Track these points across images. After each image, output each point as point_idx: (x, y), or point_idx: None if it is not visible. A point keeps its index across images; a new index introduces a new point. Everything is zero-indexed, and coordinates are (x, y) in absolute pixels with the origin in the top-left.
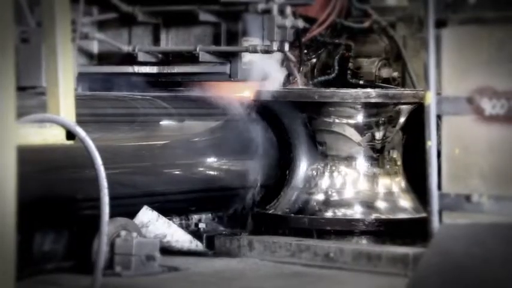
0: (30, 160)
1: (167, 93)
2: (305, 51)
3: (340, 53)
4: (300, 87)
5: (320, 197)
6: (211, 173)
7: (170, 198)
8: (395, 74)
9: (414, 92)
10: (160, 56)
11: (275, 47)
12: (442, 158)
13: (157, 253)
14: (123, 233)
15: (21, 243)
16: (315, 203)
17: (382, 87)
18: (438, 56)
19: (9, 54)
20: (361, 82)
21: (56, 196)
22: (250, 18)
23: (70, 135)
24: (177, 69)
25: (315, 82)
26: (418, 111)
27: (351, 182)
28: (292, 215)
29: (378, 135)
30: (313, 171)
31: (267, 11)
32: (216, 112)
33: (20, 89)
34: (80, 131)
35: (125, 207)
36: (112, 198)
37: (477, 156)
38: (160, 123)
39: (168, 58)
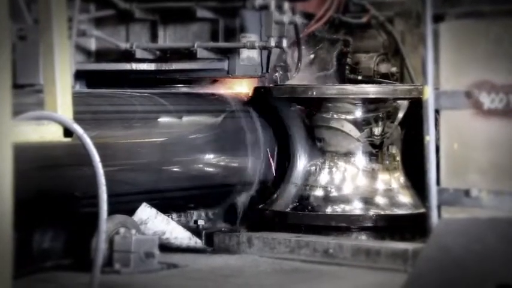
0: (28, 158)
1: (165, 90)
2: (303, 47)
3: (338, 48)
4: (298, 83)
5: (319, 193)
6: (210, 169)
7: (169, 195)
8: (394, 69)
9: (412, 87)
10: (158, 53)
11: (273, 43)
12: (441, 153)
13: (156, 250)
14: (121, 230)
15: (19, 241)
16: (314, 199)
17: (380, 83)
18: (436, 51)
19: (5, 51)
20: (359, 77)
21: (55, 194)
22: (248, 15)
23: (67, 132)
24: (175, 66)
25: (313, 78)
26: (417, 106)
27: (350, 178)
28: (291, 211)
29: (377, 130)
30: (312, 167)
31: (265, 7)
32: (214, 109)
33: (18, 86)
34: (77, 128)
35: (124, 205)
36: (110, 195)
37: (476, 150)
38: (159, 120)
39: (166, 55)
